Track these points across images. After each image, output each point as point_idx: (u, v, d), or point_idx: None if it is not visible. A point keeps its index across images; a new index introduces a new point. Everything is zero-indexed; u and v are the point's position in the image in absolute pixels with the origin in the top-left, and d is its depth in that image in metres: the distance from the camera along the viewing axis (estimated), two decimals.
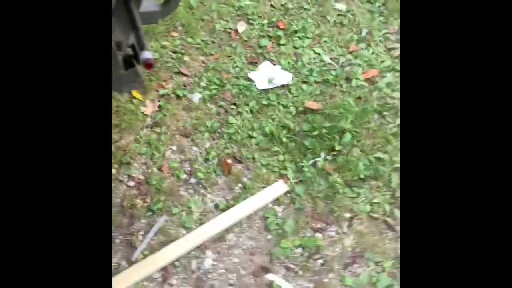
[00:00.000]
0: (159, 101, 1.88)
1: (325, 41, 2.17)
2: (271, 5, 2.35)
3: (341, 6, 2.36)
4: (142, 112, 1.83)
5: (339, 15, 2.31)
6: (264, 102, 1.88)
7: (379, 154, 1.70)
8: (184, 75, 2.00)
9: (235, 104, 1.88)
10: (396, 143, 1.75)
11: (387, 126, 1.82)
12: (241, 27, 2.22)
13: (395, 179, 1.63)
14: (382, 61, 2.08)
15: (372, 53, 2.13)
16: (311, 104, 1.87)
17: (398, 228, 1.53)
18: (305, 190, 1.61)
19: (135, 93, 1.90)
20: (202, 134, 1.77)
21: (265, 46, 2.13)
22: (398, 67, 2.05)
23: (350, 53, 2.12)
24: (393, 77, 2.01)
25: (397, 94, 1.94)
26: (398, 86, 1.98)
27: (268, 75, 1.97)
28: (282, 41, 2.15)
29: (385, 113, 1.86)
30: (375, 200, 1.58)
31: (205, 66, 2.04)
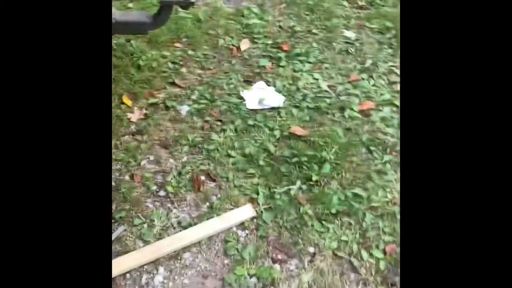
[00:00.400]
0: (146, 109, 1.88)
1: (326, 68, 2.12)
2: (279, 26, 2.33)
3: (351, 34, 2.31)
4: (128, 119, 1.84)
5: (346, 42, 2.26)
6: (250, 122, 1.84)
7: (357, 190, 1.63)
8: (178, 86, 2.00)
9: (221, 121, 1.86)
10: (378, 180, 1.67)
11: (372, 162, 1.74)
12: (245, 45, 2.21)
13: (369, 219, 1.55)
14: (382, 94, 2.01)
15: (373, 85, 2.06)
16: (297, 129, 1.82)
17: (362, 270, 1.45)
18: (273, 218, 1.55)
19: (125, 99, 1.91)
20: (182, 148, 1.75)
21: (264, 66, 2.10)
22: (397, 102, 1.98)
23: (349, 82, 2.06)
24: (390, 112, 1.94)
25: (390, 130, 1.87)
26: (393, 122, 1.90)
27: (260, 95, 1.94)
28: (282, 63, 2.12)
29: (372, 148, 1.78)
30: (343, 238, 1.51)
31: (200, 79, 2.03)
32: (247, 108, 1.90)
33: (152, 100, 1.91)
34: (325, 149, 1.74)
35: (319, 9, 2.43)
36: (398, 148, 1.80)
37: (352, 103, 1.96)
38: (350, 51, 2.21)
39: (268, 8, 2.42)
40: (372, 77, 2.09)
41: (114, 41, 2.09)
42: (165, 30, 2.22)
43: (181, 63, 2.10)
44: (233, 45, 2.20)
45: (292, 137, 1.80)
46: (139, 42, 2.15)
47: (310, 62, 2.14)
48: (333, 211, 1.56)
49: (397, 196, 1.64)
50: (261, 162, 1.70)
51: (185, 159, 1.72)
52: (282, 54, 2.15)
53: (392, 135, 1.85)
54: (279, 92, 1.99)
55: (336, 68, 2.13)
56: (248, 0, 2.51)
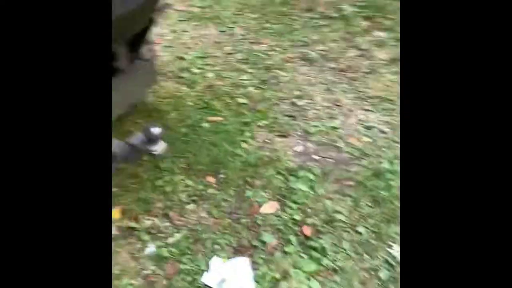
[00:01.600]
0: (119, 230, 1.79)
1: (334, 280, 1.66)
2: (324, 205, 1.97)
3: (397, 253, 1.78)
4: None
5: (386, 261, 1.75)
6: None
7: None
8: (170, 221, 1.86)
9: (170, 280, 1.62)
10: None
11: None
12: (269, 208, 1.94)
13: None
14: None
15: None
16: None
17: None
18: None
19: (116, 211, 1.87)
20: None
21: (265, 242, 1.78)
22: None
23: None
24: None
25: None
26: None
27: (226, 274, 1.63)
28: (288, 249, 1.76)
29: None
30: None
31: (194, 225, 1.85)
32: (201, 282, 1.61)
33: (132, 224, 1.82)
34: None
35: (386, 204, 1.98)
36: None
37: None
38: (383, 274, 1.69)
39: (331, 181, 2.09)
40: None
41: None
42: (209, 160, 2.14)
43: (195, 198, 1.97)
44: (257, 202, 1.96)
45: None
46: (176, 162, 2.12)
47: (320, 264, 1.71)
48: None
49: None
50: None
51: None
52: (295, 238, 1.80)
53: None
54: (256, 282, 1.63)
55: (350, 285, 1.64)
56: (320, 162, 2.23)
